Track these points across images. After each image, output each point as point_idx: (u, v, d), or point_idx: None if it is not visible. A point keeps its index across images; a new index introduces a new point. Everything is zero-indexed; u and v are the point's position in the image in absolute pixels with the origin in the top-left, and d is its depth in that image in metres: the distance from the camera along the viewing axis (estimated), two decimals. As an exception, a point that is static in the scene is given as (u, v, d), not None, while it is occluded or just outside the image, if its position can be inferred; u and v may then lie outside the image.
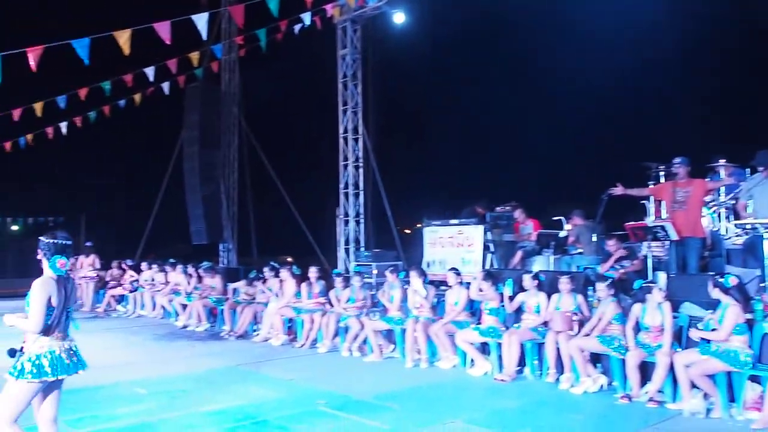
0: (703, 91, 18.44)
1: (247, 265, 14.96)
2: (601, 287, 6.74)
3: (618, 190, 8.29)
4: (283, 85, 20.19)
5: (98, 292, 14.88)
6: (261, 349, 9.28)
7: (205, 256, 14.82)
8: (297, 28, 12.87)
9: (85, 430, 5.23)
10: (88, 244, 15.47)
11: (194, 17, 8.76)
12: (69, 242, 4.08)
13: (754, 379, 5.64)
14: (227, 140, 18.76)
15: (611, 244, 8.30)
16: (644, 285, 6.36)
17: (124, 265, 14.60)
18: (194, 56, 11.78)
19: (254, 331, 10.36)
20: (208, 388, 6.71)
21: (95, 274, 14.70)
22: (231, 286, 11.60)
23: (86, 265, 15.07)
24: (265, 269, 10.59)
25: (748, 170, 9.01)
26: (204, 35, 8.76)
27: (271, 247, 20.49)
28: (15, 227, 25.83)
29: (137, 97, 14.29)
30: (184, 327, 11.31)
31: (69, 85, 12.34)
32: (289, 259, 19.37)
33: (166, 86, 13.33)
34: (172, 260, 13.44)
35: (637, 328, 6.34)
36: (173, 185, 18.11)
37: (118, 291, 14.06)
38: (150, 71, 11.75)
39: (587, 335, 6.61)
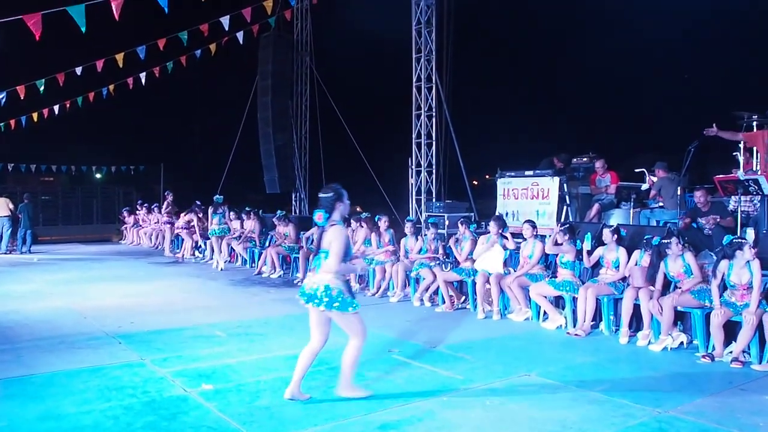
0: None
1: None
2: (675, 243, 6.45)
3: (712, 131, 7.92)
4: (356, 33, 19.95)
5: (178, 237, 15.50)
6: (334, 296, 9.44)
7: (278, 205, 15.11)
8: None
9: (171, 369, 5.48)
10: (166, 193, 16.04)
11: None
12: (324, 195, 4.72)
13: None
14: (299, 90, 18.85)
15: (698, 196, 7.90)
16: (734, 240, 6.04)
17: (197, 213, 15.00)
18: (268, 4, 11.75)
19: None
20: (284, 333, 6.91)
21: (170, 220, 15.28)
22: (304, 234, 11.81)
23: (164, 212, 15.70)
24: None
25: None
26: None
27: (342, 197, 20.65)
28: (98, 175, 27.04)
29: (212, 46, 14.46)
30: (259, 273, 11.64)
31: (148, 37, 12.60)
32: (359, 209, 19.53)
33: (240, 35, 13.41)
34: (248, 208, 13.76)
35: (724, 285, 6.07)
36: (247, 135, 18.42)
37: (195, 237, 14.54)
38: (225, 20, 11.81)
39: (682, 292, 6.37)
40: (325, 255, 4.58)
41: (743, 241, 6.00)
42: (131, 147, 27.26)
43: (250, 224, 13.15)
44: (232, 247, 13.56)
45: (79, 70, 12.89)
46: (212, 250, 13.54)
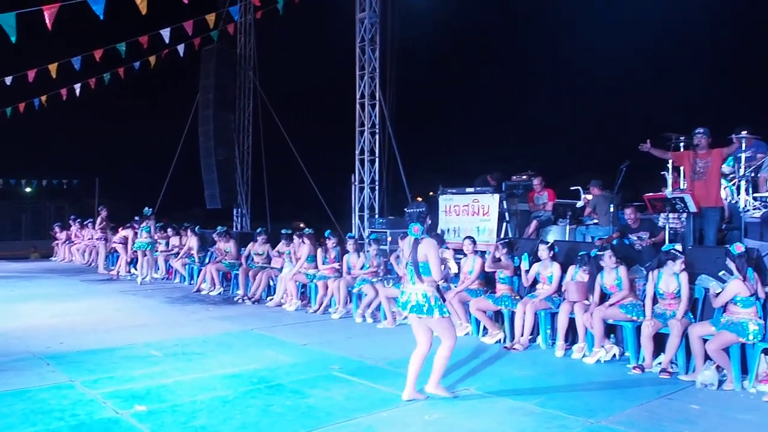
0: (725, 62, 18.08)
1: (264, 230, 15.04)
2: (609, 255, 6.70)
3: (646, 147, 8.23)
4: (300, 49, 19.99)
5: (112, 254, 15.05)
6: (275, 313, 9.36)
7: (219, 221, 14.89)
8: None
9: (102, 390, 5.30)
10: (100, 208, 15.58)
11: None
12: (418, 210, 5.26)
13: (767, 351, 5.62)
14: (242, 104, 18.68)
15: (629, 213, 8.22)
16: (671, 250, 6.32)
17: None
18: (210, 18, 11.66)
19: (268, 296, 10.45)
20: (222, 352, 6.78)
21: (105, 236, 14.84)
22: (244, 252, 11.67)
23: (97, 228, 15.24)
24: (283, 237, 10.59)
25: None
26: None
27: (284, 212, 20.54)
28: (28, 189, 26.02)
29: (152, 59, 14.21)
30: (198, 291, 11.42)
31: (84, 46, 12.30)
32: (302, 225, 19.41)
33: (181, 48, 13.22)
34: (186, 224, 13.51)
35: (654, 298, 6.33)
36: (188, 149, 18.12)
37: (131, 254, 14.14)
38: (166, 33, 11.65)
39: (611, 305, 6.58)
40: (423, 267, 4.98)
41: (679, 253, 6.27)
42: (64, 160, 26.39)
43: (189, 240, 12.90)
44: (170, 264, 13.27)
45: (9, 80, 12.44)
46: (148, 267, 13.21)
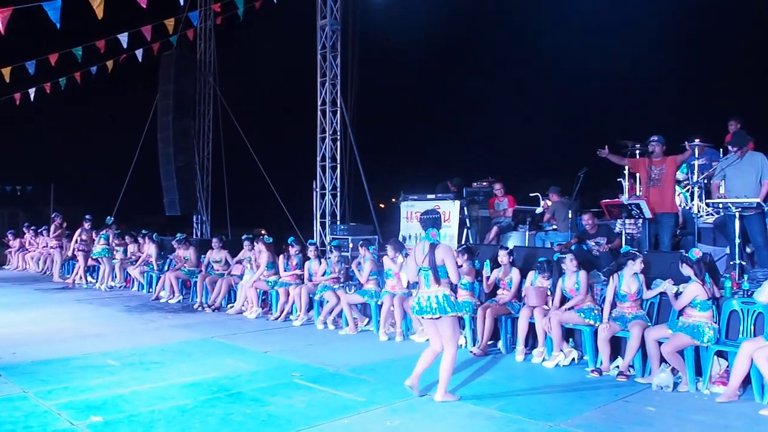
0: (679, 71, 18.62)
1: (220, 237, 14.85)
2: (570, 259, 6.82)
3: (604, 152, 8.40)
4: (260, 55, 19.86)
5: (68, 262, 14.68)
6: (235, 321, 9.25)
7: (178, 228, 14.65)
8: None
9: (56, 401, 5.16)
10: (54, 215, 15.19)
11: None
12: (433, 216, 5.53)
13: (721, 354, 5.78)
14: (202, 110, 18.46)
15: (586, 219, 8.39)
16: (630, 251, 6.47)
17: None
18: (169, 23, 11.51)
19: (228, 304, 10.33)
20: (181, 360, 6.67)
21: (60, 244, 14.48)
22: (204, 258, 11.50)
23: (52, 236, 14.84)
24: (245, 243, 10.48)
25: (721, 150, 9.15)
26: (182, 1, 8.54)
27: (245, 219, 20.33)
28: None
29: (110, 63, 13.95)
30: (157, 299, 11.21)
31: (39, 50, 12.00)
32: (263, 232, 19.26)
33: (139, 53, 13.02)
34: (144, 231, 13.27)
35: (613, 302, 6.46)
36: (146, 155, 17.81)
37: (89, 262, 13.81)
38: (123, 38, 11.45)
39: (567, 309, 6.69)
40: (442, 270, 5.21)
41: (637, 253, 6.43)
42: (18, 166, 25.63)
43: (147, 248, 12.67)
44: (127, 272, 13.00)
45: (-41, 84, 12.08)
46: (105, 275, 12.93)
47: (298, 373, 6.16)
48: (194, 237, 17.07)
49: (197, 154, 18.22)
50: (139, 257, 12.86)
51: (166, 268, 12.03)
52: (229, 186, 17.56)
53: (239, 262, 10.57)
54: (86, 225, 13.74)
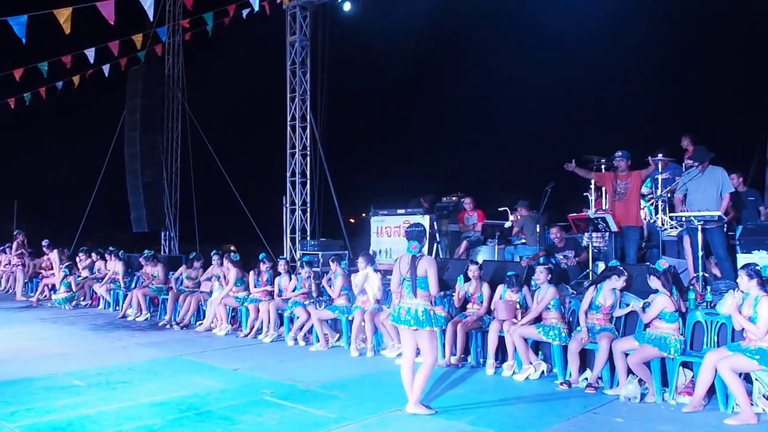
0: (645, 89, 19.07)
1: (188, 254, 14.67)
2: (540, 271, 6.90)
3: (571, 166, 8.55)
4: (230, 71, 19.80)
5: (32, 280, 14.36)
6: (204, 339, 9.14)
7: (146, 245, 14.45)
8: (245, 12, 12.66)
9: (19, 423, 5.03)
10: (16, 233, 14.87)
11: (141, -3, 8.46)
12: (417, 229, 5.60)
13: (686, 365, 5.89)
14: (170, 125, 18.30)
15: (554, 233, 8.50)
16: (617, 267, 6.59)
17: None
18: (137, 38, 11.43)
19: (197, 321, 10.20)
20: (149, 379, 6.56)
21: (23, 262, 14.18)
22: (174, 274, 11.35)
23: (14, 254, 14.53)
24: (214, 258, 10.39)
25: (684, 165, 9.37)
26: (151, 16, 8.50)
27: (214, 235, 20.14)
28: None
29: (76, 79, 13.77)
30: (124, 317, 11.02)
31: (3, 65, 11.80)
32: (232, 248, 19.09)
33: (106, 68, 12.88)
34: (111, 248, 13.05)
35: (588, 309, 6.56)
36: (113, 171, 17.55)
37: (51, 280, 13.52)
38: (90, 53, 11.33)
39: (530, 323, 6.76)
40: (422, 281, 5.32)
41: (624, 271, 6.52)
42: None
43: (114, 265, 12.46)
44: (93, 290, 12.76)
45: None
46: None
47: (269, 390, 6.10)
48: (162, 254, 16.84)
49: (165, 170, 18.02)
50: (106, 275, 12.63)
51: (133, 285, 11.84)
52: (197, 202, 17.38)
53: (208, 278, 10.46)
54: (20, 238, 13.53)
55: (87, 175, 18.66)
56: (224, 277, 9.89)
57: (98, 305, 12.61)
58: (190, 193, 17.81)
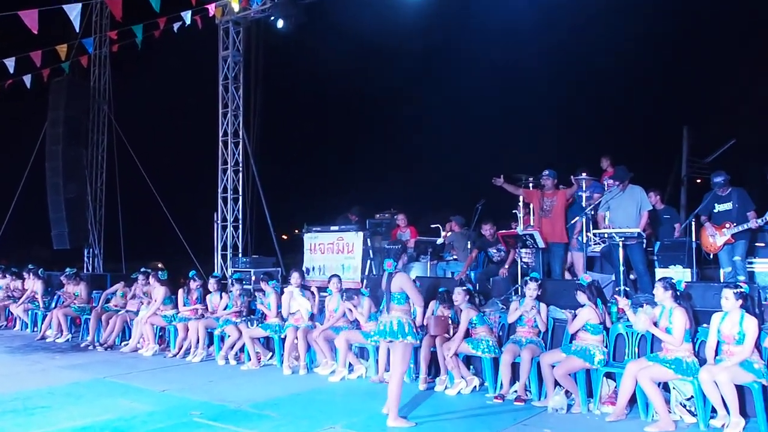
0: (569, 111, 19.88)
1: (113, 272, 14.17)
2: (458, 292, 7.04)
3: (499, 181, 8.78)
4: (160, 85, 19.35)
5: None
6: (130, 360, 8.83)
7: (67, 262, 13.86)
8: (176, 26, 12.45)
9: (-74, 453, 4.73)
10: None
11: (66, 7, 8.20)
12: (394, 247, 6.30)
13: (609, 375, 6.13)
14: (96, 139, 17.68)
15: (486, 228, 8.78)
16: (527, 278, 6.80)
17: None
18: (62, 49, 11.05)
19: (122, 341, 9.85)
20: (71, 403, 6.29)
21: None
22: (104, 293, 10.88)
23: None
24: (140, 277, 10.08)
25: (606, 184, 9.78)
26: (77, 27, 8.23)
27: (142, 252, 19.54)
28: None
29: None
30: (43, 338, 10.52)
31: None
32: (160, 265, 18.56)
33: (27, 79, 12.38)
34: (30, 266, 12.45)
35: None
36: (32, 186, 16.78)
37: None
38: (10, 62, 10.87)
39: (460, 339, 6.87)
40: (400, 297, 5.59)
41: (532, 279, 6.74)
42: None
43: (32, 284, 11.89)
44: (9, 310, 12.13)
45: None
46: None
47: (198, 411, 5.96)
48: (85, 272, 16.18)
49: (90, 185, 17.38)
50: (23, 294, 12.04)
51: (53, 305, 11.33)
52: (124, 218, 16.81)
53: (134, 296, 10.13)
54: None
55: (4, 190, 17.77)
56: (150, 295, 9.61)
57: (14, 326, 12.00)
58: (116, 208, 17.21)
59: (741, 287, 5.53)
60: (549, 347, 6.66)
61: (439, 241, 10.60)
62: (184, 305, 9.30)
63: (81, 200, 16.59)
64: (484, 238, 9.00)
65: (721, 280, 7.56)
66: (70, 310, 10.73)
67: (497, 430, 5.39)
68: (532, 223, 9.13)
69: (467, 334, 6.89)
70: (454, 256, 10.17)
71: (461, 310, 7.15)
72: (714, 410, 5.36)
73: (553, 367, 6.12)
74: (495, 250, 8.76)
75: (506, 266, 8.69)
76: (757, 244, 7.87)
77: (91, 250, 17.42)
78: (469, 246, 9.48)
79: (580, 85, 19.67)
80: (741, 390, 5.26)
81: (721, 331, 5.47)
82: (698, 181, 14.02)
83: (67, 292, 11.01)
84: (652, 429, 5.34)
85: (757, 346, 5.39)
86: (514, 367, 6.56)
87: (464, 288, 7.13)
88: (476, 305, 7.08)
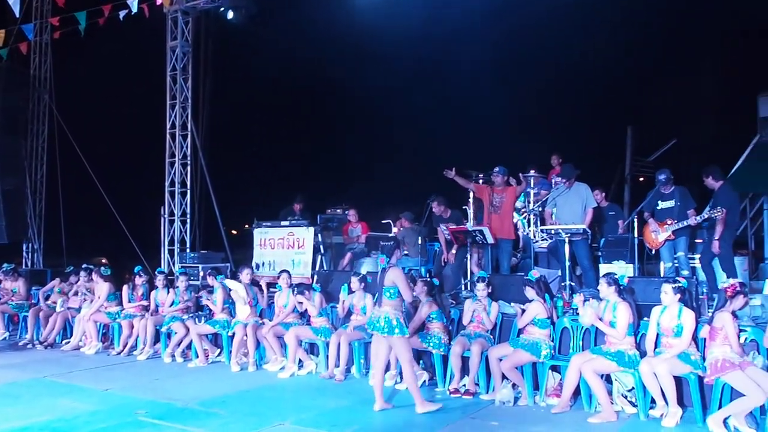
0: (521, 111, 20.22)
1: (54, 267, 13.71)
2: (420, 287, 7.08)
3: (451, 173, 8.85)
4: (104, 74, 18.78)
5: None
6: (72, 358, 8.57)
7: (5, 258, 13.33)
8: (122, 14, 12.10)
9: None
10: None
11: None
12: (388, 243, 6.52)
13: (555, 368, 6.27)
14: (36, 129, 17.04)
15: (436, 206, 8.99)
16: (479, 276, 6.92)
17: None
18: (-1, 34, 10.60)
19: (63, 339, 9.55)
20: (7, 404, 6.07)
21: None
22: (42, 290, 10.51)
23: None
24: (82, 273, 9.78)
25: (553, 181, 10.00)
26: (17, 12, 7.89)
27: (84, 247, 18.96)
28: None
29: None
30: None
31: None
32: (104, 260, 18.04)
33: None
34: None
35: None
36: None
37: None
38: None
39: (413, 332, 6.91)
40: (393, 291, 5.74)
41: (482, 280, 6.84)
42: None
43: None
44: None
45: None
46: None
47: (143, 410, 5.83)
48: (24, 267, 15.61)
49: (29, 177, 16.75)
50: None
51: (-11, 302, 10.88)
52: (65, 211, 16.25)
53: (76, 293, 9.82)
54: None
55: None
56: (93, 291, 9.34)
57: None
58: (57, 202, 16.63)
59: (679, 282, 5.72)
60: (497, 341, 6.77)
61: (390, 236, 10.63)
62: (129, 302, 9.07)
63: (19, 193, 15.98)
64: (434, 216, 9.09)
65: (662, 275, 7.82)
66: (8, 308, 10.33)
67: (447, 423, 5.45)
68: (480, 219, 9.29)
69: (421, 328, 6.93)
70: (405, 252, 10.20)
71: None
72: (653, 401, 5.54)
73: (501, 360, 6.21)
74: (445, 226, 8.85)
75: (453, 251, 8.84)
76: (696, 240, 8.18)
77: (30, 244, 16.80)
78: (420, 241, 9.53)
79: (530, 85, 20.03)
80: (679, 381, 5.46)
81: (661, 324, 5.66)
82: (641, 179, 14.44)
83: (5, 288, 10.58)
84: (595, 419, 5.49)
85: (695, 338, 5.59)
86: (464, 361, 6.65)
87: (423, 279, 7.17)
88: (437, 301, 7.06)
